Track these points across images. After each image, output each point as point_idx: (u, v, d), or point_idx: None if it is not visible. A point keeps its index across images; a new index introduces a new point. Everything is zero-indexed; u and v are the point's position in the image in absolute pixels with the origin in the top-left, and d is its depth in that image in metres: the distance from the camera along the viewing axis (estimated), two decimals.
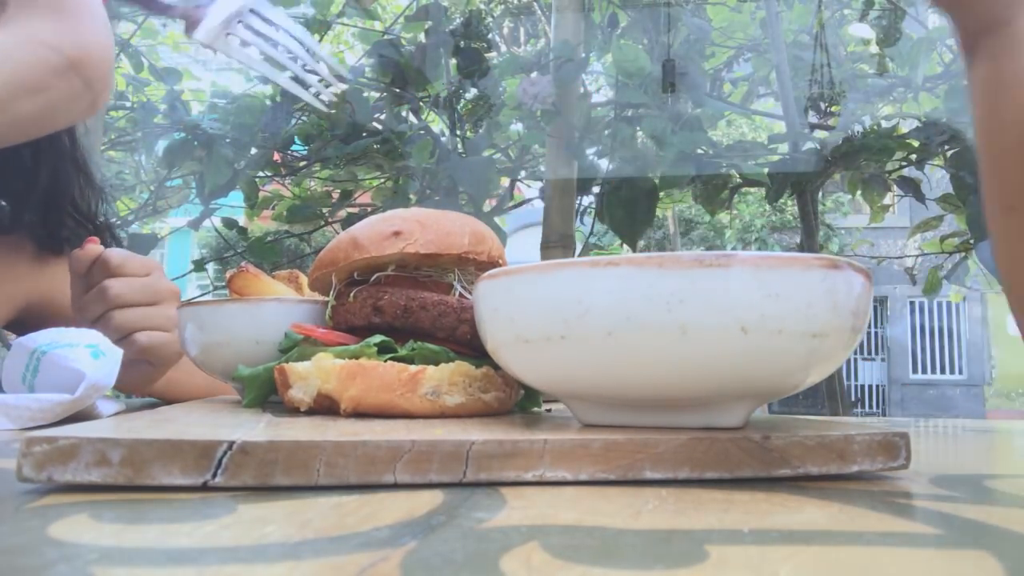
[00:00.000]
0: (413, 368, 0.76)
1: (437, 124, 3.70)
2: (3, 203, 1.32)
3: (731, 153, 3.55)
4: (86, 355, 0.93)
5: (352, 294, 0.84)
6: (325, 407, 0.77)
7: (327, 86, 1.19)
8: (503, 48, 4.67)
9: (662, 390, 0.59)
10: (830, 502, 0.48)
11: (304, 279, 1.11)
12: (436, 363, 0.78)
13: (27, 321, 1.37)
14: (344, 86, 1.20)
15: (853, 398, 15.71)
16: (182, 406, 0.90)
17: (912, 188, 3.39)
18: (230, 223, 3.54)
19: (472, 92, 3.51)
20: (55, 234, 1.34)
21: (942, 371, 16.86)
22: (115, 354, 0.96)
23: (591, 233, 3.61)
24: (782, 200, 3.78)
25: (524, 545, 0.37)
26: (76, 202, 1.35)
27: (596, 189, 3.51)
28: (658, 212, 3.69)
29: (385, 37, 3.57)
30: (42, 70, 1.01)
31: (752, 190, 4.58)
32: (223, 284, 1.15)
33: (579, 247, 3.51)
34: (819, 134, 3.69)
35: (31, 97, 1.01)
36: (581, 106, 3.59)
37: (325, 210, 3.58)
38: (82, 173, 1.36)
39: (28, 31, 1.02)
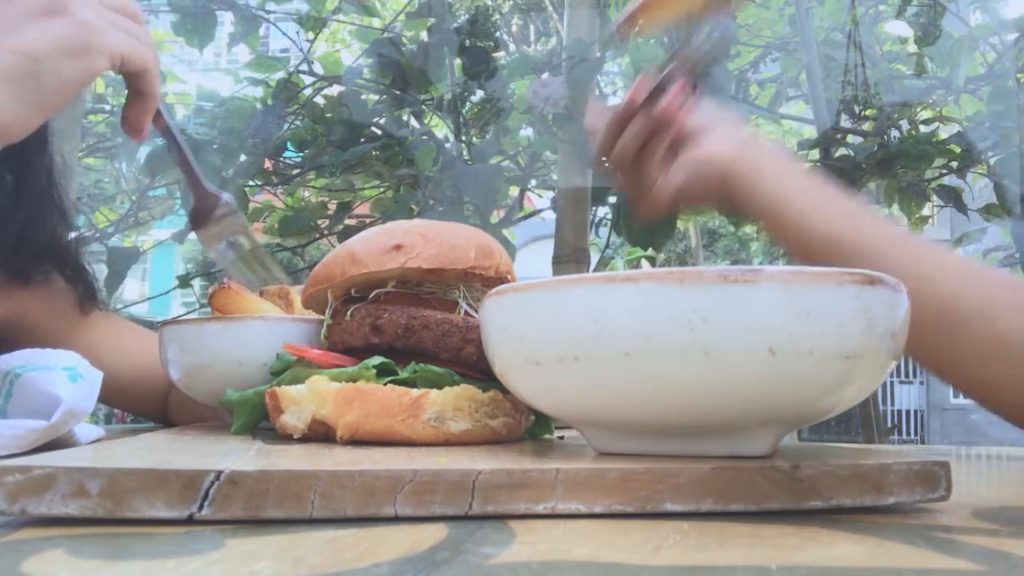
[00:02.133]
0: (415, 392, 0.76)
1: (441, 129, 3.71)
2: None
3: None
4: (63, 378, 0.92)
5: (349, 312, 0.84)
6: (320, 434, 0.77)
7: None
8: (512, 47, 4.68)
9: (683, 416, 0.59)
10: (865, 536, 0.48)
11: (296, 295, 1.11)
12: (440, 387, 0.78)
13: None
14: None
15: (889, 424, 15.66)
16: (167, 432, 0.90)
17: (953, 198, 3.39)
18: None
19: (479, 94, 3.51)
20: (24, 268, 1.35)
21: None
22: (94, 377, 0.96)
23: (607, 246, 3.61)
24: None
25: None
26: (51, 240, 1.36)
27: (612, 199, 3.51)
28: (679, 224, 3.69)
29: (385, 35, 3.57)
30: None
31: None
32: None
33: (594, 261, 3.50)
34: (852, 139, 3.68)
35: None
36: None
37: (320, 222, 3.58)
38: (58, 211, 1.37)
39: None
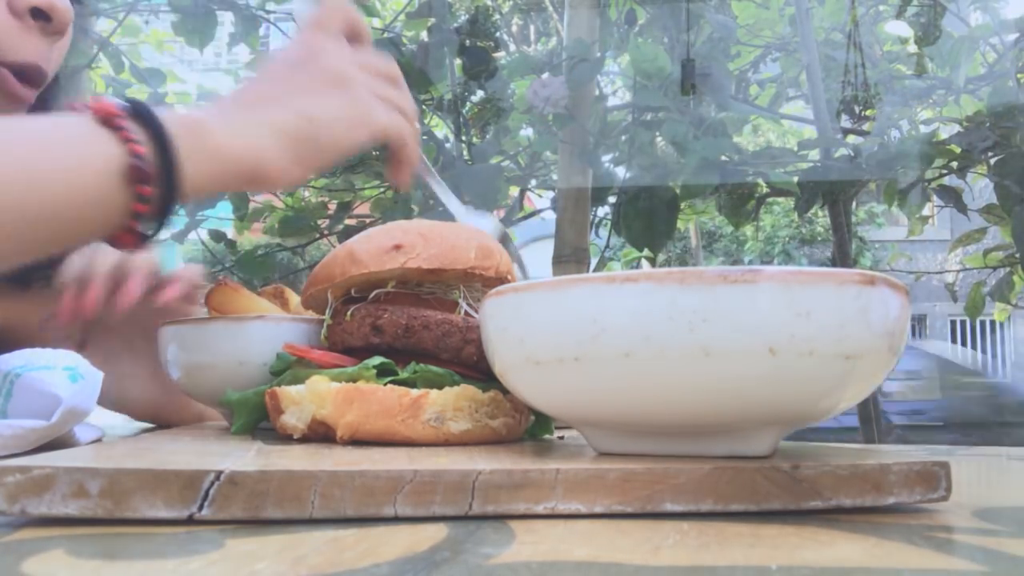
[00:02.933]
0: (415, 392, 0.76)
1: (441, 129, 3.71)
2: None
3: (758, 160, 3.55)
4: (63, 378, 0.92)
5: (349, 312, 0.84)
6: (320, 434, 0.77)
7: None
8: (512, 47, 4.68)
9: (683, 416, 0.59)
10: (865, 536, 0.48)
11: (291, 295, 1.11)
12: (440, 387, 0.78)
13: None
14: None
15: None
16: (166, 433, 0.90)
17: (953, 198, 3.39)
18: (218, 236, 3.55)
19: (479, 94, 3.51)
20: (26, 271, 1.35)
21: None
22: (94, 377, 0.95)
23: (607, 247, 3.61)
24: (812, 211, 3.78)
25: None
26: None
27: (612, 199, 3.51)
28: (679, 224, 3.69)
29: (385, 35, 3.57)
30: None
31: (778, 200, 4.58)
32: None
33: (594, 262, 3.51)
34: (853, 140, 3.69)
35: None
36: (596, 110, 3.60)
37: (320, 222, 3.58)
38: None
39: None
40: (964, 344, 16.07)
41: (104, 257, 1.17)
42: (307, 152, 0.88)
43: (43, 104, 1.17)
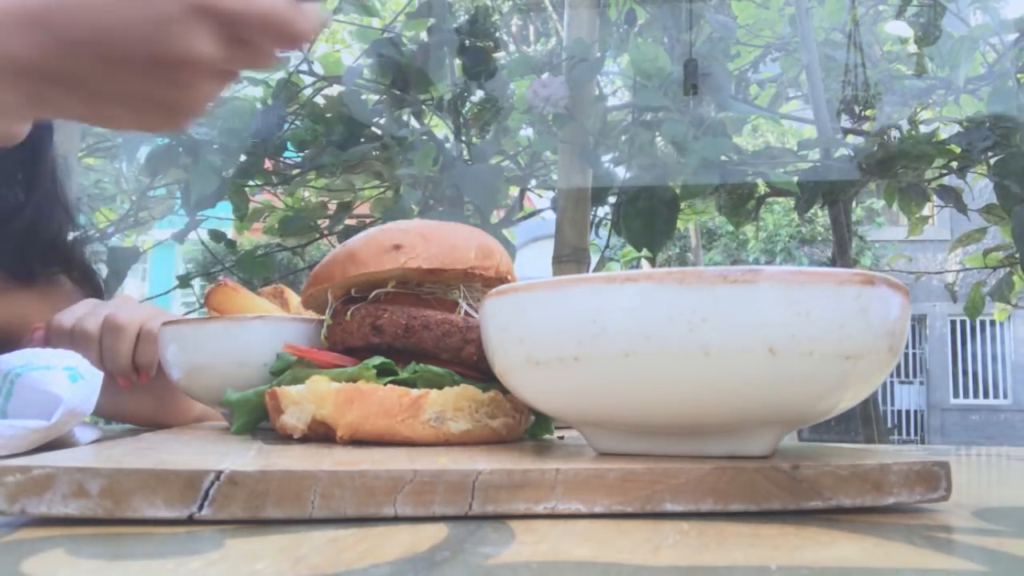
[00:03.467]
0: (415, 392, 0.76)
1: (441, 129, 3.71)
2: None
3: (758, 160, 3.55)
4: (63, 378, 0.92)
5: (349, 312, 0.84)
6: (320, 434, 0.77)
7: None
8: (512, 47, 4.68)
9: (683, 416, 0.59)
10: (865, 536, 0.48)
11: (290, 294, 1.11)
12: (440, 387, 0.78)
13: None
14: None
15: (890, 424, 15.67)
16: (166, 433, 0.90)
17: (953, 198, 3.39)
18: (218, 236, 3.54)
19: (478, 94, 3.51)
20: (30, 268, 1.35)
21: (985, 395, 16.82)
22: (94, 377, 0.95)
23: (607, 247, 3.61)
24: (812, 211, 3.78)
25: None
26: (57, 239, 1.36)
27: (612, 199, 3.51)
28: (679, 224, 3.69)
29: (385, 35, 3.57)
30: None
31: (778, 200, 4.59)
32: None
33: (594, 261, 3.51)
34: (853, 140, 3.69)
35: None
36: (596, 110, 3.59)
37: (320, 222, 3.58)
38: (63, 210, 1.38)
39: None
40: (964, 344, 16.07)
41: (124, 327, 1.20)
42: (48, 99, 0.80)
43: None
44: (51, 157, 1.34)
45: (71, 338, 1.21)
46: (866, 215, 11.58)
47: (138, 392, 1.27)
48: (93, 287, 1.43)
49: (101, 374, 0.96)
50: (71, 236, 1.44)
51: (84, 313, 1.23)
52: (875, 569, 0.41)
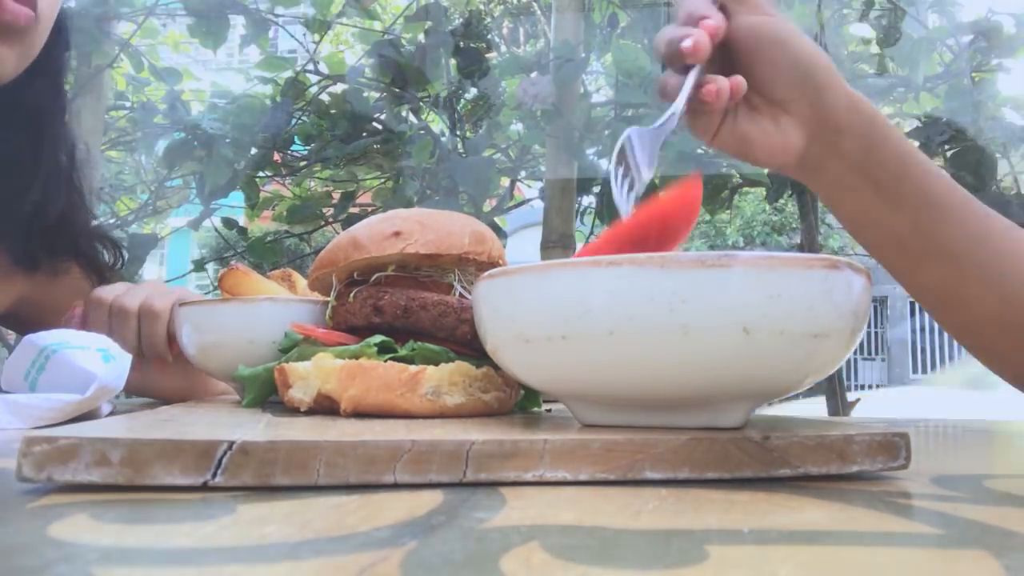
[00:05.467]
0: (413, 368, 0.76)
1: (437, 124, 3.70)
2: None
3: None
4: (97, 358, 0.93)
5: (352, 294, 0.84)
6: (325, 407, 0.77)
7: None
8: (503, 48, 4.66)
9: (663, 390, 0.59)
10: (830, 502, 0.48)
11: (298, 278, 1.11)
12: (436, 363, 0.78)
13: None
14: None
15: (852, 399, 15.66)
16: (182, 406, 0.90)
17: None
18: (230, 223, 3.54)
19: (472, 92, 3.50)
20: (33, 251, 1.33)
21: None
22: (124, 359, 0.96)
23: (591, 233, 3.61)
24: (781, 201, 3.78)
25: (524, 545, 0.37)
26: (65, 220, 1.34)
27: (596, 189, 3.50)
28: None
29: (385, 37, 3.56)
30: None
31: (751, 190, 4.59)
32: None
33: (579, 247, 3.50)
34: None
35: None
36: (581, 106, 3.58)
37: (326, 210, 3.57)
38: (76, 192, 1.36)
39: None
40: (922, 323, 16.08)
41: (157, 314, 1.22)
42: None
43: (52, 47, 1.16)
44: (66, 141, 1.33)
45: (109, 312, 1.22)
46: None
47: (169, 370, 1.27)
48: (99, 276, 1.41)
49: (130, 356, 0.97)
50: (87, 223, 1.42)
51: (123, 291, 1.23)
52: (840, 532, 0.41)
